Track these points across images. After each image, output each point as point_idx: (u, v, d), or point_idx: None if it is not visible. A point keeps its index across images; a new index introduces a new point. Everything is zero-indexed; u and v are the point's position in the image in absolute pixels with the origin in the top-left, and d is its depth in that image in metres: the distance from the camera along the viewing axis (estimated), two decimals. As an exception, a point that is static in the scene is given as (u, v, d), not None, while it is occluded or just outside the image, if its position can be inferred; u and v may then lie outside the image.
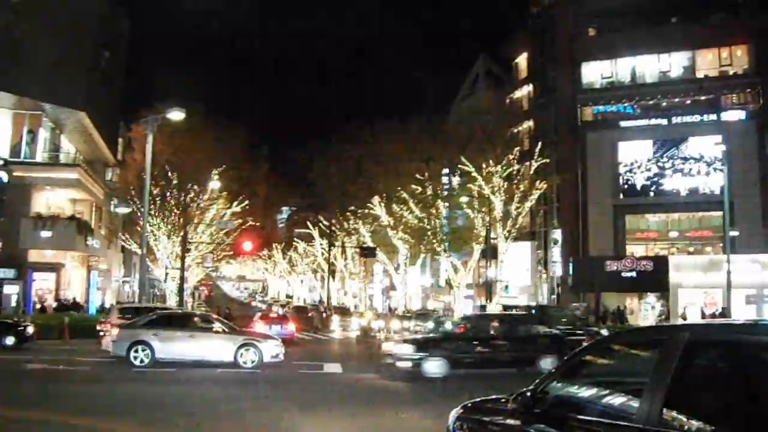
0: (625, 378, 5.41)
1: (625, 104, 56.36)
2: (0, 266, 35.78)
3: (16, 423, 11.62)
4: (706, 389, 4.34)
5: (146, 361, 21.32)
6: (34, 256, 41.85)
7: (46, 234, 40.47)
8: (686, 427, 4.09)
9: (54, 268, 44.26)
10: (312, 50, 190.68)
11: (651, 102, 55.54)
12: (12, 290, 38.41)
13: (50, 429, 11.13)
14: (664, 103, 55.15)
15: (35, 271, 42.49)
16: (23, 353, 24.30)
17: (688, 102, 54.38)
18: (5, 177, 37.78)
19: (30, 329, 27.70)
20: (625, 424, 4.38)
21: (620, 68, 57.09)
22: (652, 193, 53.97)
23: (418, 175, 50.04)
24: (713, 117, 52.00)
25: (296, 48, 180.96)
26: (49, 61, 38.53)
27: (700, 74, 54.44)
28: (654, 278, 48.56)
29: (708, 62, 54.54)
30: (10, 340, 26.26)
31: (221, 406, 14.31)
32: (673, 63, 55.44)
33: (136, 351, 21.39)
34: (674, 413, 4.12)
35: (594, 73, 57.74)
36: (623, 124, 55.44)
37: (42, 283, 43.73)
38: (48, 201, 45.46)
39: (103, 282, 56.71)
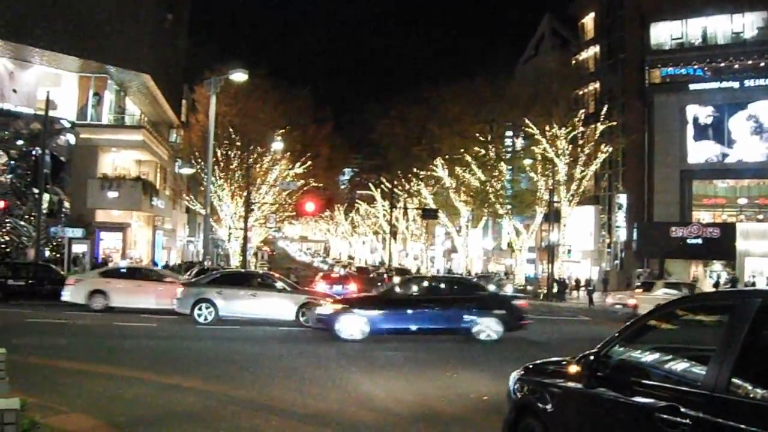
0: (690, 344, 5.28)
1: (695, 66, 54.66)
2: (68, 226, 36.67)
3: (83, 375, 11.91)
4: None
5: (210, 318, 21.68)
6: (101, 216, 42.99)
7: (112, 194, 41.49)
8: (754, 395, 3.96)
9: (120, 227, 45.36)
10: (377, 9, 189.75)
11: (722, 64, 53.74)
12: (80, 249, 39.41)
13: (117, 382, 11.35)
14: (736, 66, 53.31)
15: (102, 230, 43.64)
16: (90, 309, 24.84)
17: (762, 64, 52.45)
18: (73, 139, 38.71)
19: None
20: (691, 390, 4.26)
21: (690, 29, 55.36)
22: (720, 158, 52.62)
23: (480, 137, 49.68)
24: (788, 80, 50.31)
25: (361, 8, 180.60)
26: (114, 24, 39.12)
27: (775, 35, 52.46)
28: (720, 246, 47.56)
29: (784, 23, 52.48)
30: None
31: (281, 362, 14.49)
32: (747, 24, 53.49)
33: (200, 309, 21.78)
34: (743, 381, 3.99)
35: (663, 33, 56.13)
36: (692, 86, 53.92)
37: (109, 243, 44.88)
38: (114, 162, 46.51)
39: (168, 241, 57.96)
